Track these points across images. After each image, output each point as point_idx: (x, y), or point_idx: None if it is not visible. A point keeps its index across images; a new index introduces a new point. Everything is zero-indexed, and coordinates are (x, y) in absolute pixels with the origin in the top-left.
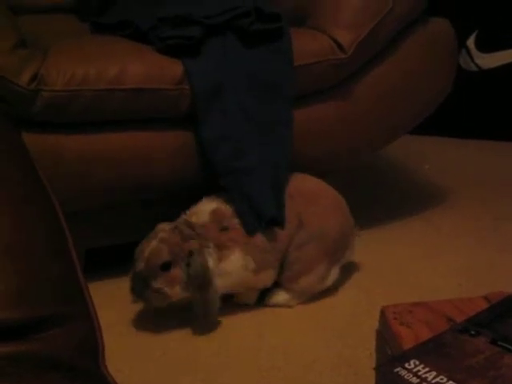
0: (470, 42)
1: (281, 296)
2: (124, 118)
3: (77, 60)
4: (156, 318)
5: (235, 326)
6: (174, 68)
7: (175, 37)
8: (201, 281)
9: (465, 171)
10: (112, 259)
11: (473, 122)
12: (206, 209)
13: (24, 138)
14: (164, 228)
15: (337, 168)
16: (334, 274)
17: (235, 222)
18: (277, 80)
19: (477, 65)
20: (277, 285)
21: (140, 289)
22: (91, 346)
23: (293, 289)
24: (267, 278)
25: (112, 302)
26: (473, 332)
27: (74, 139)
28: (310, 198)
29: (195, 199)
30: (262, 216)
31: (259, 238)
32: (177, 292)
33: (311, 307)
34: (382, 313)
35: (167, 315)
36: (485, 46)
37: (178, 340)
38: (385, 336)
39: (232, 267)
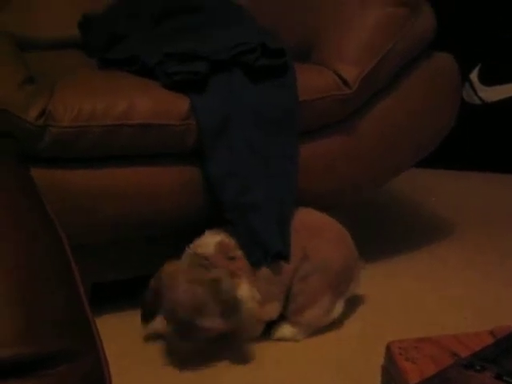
0: (474, 76)
1: (286, 330)
2: (130, 154)
3: (84, 95)
4: (161, 351)
5: (239, 359)
6: (180, 103)
7: (181, 72)
8: (232, 303)
9: (470, 204)
10: (118, 293)
11: (477, 155)
12: (210, 241)
13: (32, 173)
14: (180, 268)
15: (341, 203)
16: (339, 307)
17: (240, 253)
18: (282, 115)
19: (480, 98)
20: (283, 318)
21: (187, 332)
22: (98, 379)
23: (298, 322)
24: (272, 310)
25: (118, 335)
26: (478, 367)
27: (81, 174)
28: (314, 231)
29: (198, 233)
30: (267, 251)
31: (264, 270)
32: (220, 323)
33: (316, 340)
34: (388, 348)
35: (173, 349)
36: (488, 80)
37: (183, 374)
38: (390, 371)
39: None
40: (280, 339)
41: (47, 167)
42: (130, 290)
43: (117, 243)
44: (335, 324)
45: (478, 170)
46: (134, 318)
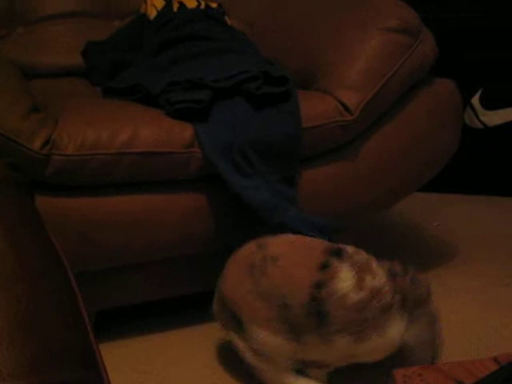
0: (475, 100)
1: None
2: (134, 181)
3: (88, 124)
4: (165, 380)
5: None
6: (183, 131)
7: (185, 101)
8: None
9: (474, 227)
10: (123, 318)
11: (480, 178)
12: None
13: (36, 201)
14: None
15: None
16: None
17: None
18: (284, 142)
19: (482, 122)
20: None
21: None
22: None
23: None
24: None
25: (121, 363)
26: None
27: (84, 202)
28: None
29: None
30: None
31: None
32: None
33: None
34: (392, 376)
35: (177, 378)
36: (489, 104)
37: None
38: None
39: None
40: None
41: (51, 195)
42: (135, 317)
43: (120, 269)
44: None
45: (481, 194)
46: (137, 345)
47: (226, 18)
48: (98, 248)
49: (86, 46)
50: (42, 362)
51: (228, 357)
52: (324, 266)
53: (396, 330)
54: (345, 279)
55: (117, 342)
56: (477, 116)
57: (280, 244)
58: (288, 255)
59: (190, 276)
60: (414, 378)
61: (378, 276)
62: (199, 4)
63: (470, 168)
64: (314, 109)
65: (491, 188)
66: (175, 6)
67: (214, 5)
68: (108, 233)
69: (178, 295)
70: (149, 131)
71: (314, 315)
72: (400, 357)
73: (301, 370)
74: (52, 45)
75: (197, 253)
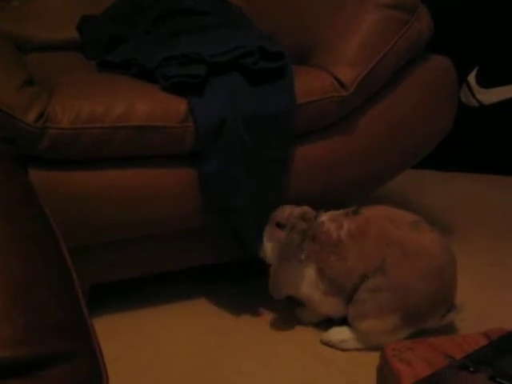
0: (471, 78)
1: (341, 333)
2: (129, 155)
3: (83, 97)
4: (160, 352)
5: (240, 366)
6: (179, 106)
7: (180, 75)
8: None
9: (468, 206)
10: (117, 293)
11: (475, 157)
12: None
13: (30, 175)
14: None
15: (337, 203)
16: (404, 333)
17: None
18: (279, 117)
19: (478, 100)
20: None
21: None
22: (95, 381)
23: (357, 328)
24: (332, 305)
25: (116, 335)
26: (472, 369)
27: (79, 176)
28: (406, 248)
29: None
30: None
31: (333, 264)
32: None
33: (315, 343)
34: (383, 350)
35: (172, 350)
36: (486, 82)
37: (182, 375)
38: (385, 373)
39: (306, 279)
40: (327, 342)
41: (46, 169)
42: (128, 291)
43: (115, 244)
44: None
45: (477, 172)
46: (131, 319)
47: None
48: (93, 222)
49: (82, 20)
50: (33, 334)
51: (222, 330)
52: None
53: None
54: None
55: (111, 315)
56: (473, 94)
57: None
58: None
59: (185, 250)
60: (405, 352)
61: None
62: None
63: (466, 146)
64: (309, 84)
65: (486, 166)
66: None
67: None
68: (103, 207)
69: (173, 270)
70: (144, 105)
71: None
72: None
73: None
74: (48, 18)
75: (192, 227)
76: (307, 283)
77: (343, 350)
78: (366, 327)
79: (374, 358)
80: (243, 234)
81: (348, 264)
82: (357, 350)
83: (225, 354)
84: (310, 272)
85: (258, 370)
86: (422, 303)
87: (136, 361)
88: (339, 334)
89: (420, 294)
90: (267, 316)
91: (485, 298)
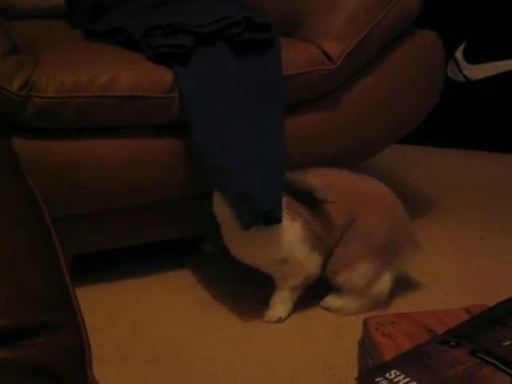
0: (459, 53)
1: (335, 301)
2: (114, 125)
3: (68, 66)
4: (143, 323)
5: (223, 337)
6: (164, 76)
7: (166, 45)
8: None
9: (452, 181)
10: (101, 264)
11: (460, 132)
12: None
13: (14, 144)
14: None
15: None
16: (385, 280)
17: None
18: (266, 89)
19: (464, 76)
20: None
21: None
22: (78, 351)
23: (336, 284)
24: (315, 262)
25: (99, 306)
26: (453, 343)
27: (63, 145)
28: (366, 198)
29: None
30: (256, 212)
31: (318, 224)
32: None
33: (297, 317)
34: (365, 323)
35: (155, 321)
36: (473, 58)
37: (166, 346)
38: (367, 346)
39: (293, 235)
40: (327, 308)
41: (30, 138)
42: (112, 263)
43: (100, 214)
44: (317, 301)
45: (461, 148)
46: (114, 290)
47: None
48: (77, 192)
49: None
50: (16, 304)
51: (205, 302)
52: None
53: None
54: None
55: (96, 285)
56: (460, 70)
57: None
58: None
59: (169, 222)
60: (387, 326)
61: None
62: None
63: (451, 122)
64: (296, 57)
65: (471, 142)
66: None
67: None
68: (88, 177)
69: (158, 240)
70: (129, 75)
71: None
72: None
73: None
74: None
75: (177, 197)
76: (294, 241)
77: (343, 315)
78: (340, 280)
79: (355, 330)
80: (250, 194)
81: (330, 215)
82: (336, 323)
83: (208, 325)
84: (298, 228)
85: (241, 341)
86: (386, 241)
87: (119, 332)
88: (337, 300)
89: (383, 233)
90: (251, 288)
91: (468, 270)
